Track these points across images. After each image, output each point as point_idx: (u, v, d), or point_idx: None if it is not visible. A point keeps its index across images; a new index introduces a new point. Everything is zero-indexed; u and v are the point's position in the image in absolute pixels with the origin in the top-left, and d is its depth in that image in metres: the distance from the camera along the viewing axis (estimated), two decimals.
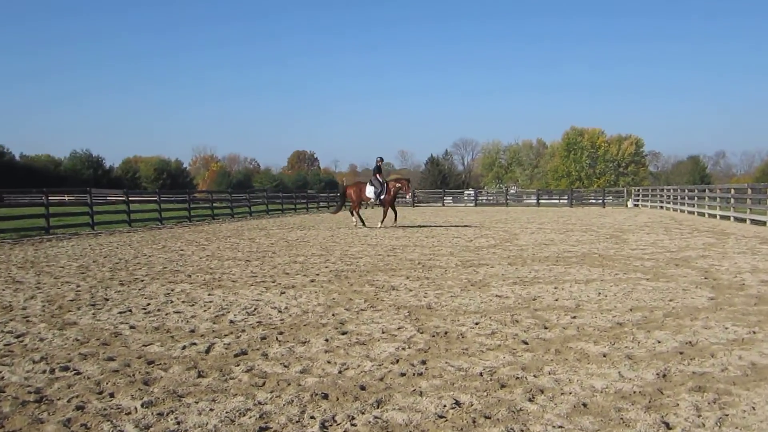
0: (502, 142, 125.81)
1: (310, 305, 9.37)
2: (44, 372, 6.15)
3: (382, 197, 26.87)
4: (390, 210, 27.60)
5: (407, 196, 28.66)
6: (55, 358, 6.63)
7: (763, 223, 27.40)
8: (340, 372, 6.05)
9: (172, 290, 10.90)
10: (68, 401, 5.31)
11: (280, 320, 8.39)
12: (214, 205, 39.98)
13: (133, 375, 5.99)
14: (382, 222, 27.99)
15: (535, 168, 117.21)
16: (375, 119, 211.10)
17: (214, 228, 29.76)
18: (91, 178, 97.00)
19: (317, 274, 12.68)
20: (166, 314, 8.84)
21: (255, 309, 9.12)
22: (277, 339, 7.34)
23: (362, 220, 28.96)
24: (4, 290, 11.06)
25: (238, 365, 6.31)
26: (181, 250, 18.41)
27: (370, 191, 27.09)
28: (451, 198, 74.05)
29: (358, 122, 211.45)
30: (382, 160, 27.93)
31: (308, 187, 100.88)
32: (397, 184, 27.04)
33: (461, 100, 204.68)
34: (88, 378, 5.94)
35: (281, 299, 9.90)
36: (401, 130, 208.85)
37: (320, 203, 58.27)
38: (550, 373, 5.92)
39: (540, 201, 65.81)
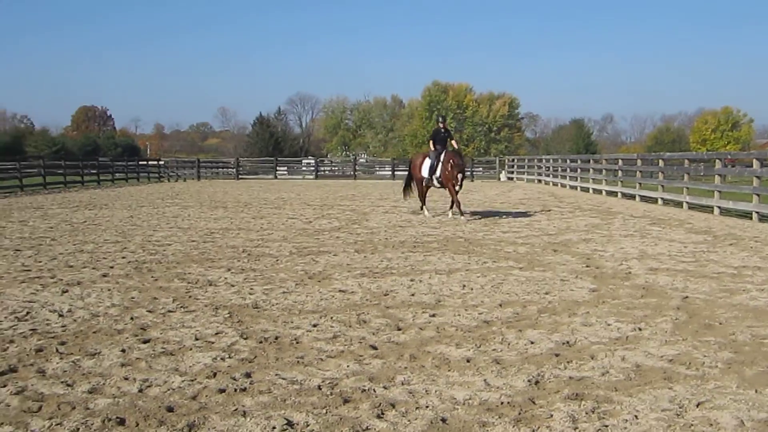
0: (349, 99, 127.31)
1: (101, 307, 9.16)
2: None
3: (438, 176, 22.12)
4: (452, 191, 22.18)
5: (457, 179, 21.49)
6: None
7: (654, 201, 29.27)
8: (140, 390, 5.98)
9: None
10: None
11: (62, 327, 8.16)
12: None
13: None
14: (452, 208, 22.68)
15: (390, 132, 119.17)
16: (186, 66, 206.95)
17: None
18: None
19: (111, 267, 12.40)
20: None
21: (27, 313, 8.82)
22: (57, 351, 7.14)
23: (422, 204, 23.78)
24: None
25: (4, 386, 6.10)
26: None
27: (425, 168, 22.67)
28: (285, 168, 74.11)
29: (163, 70, 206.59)
30: (444, 119, 23.71)
31: (100, 154, 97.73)
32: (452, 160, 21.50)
33: (298, 45, 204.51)
34: None
35: (63, 300, 9.62)
36: (221, 81, 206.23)
37: (116, 174, 56.67)
38: (403, 384, 6.12)
39: (396, 172, 66.97)
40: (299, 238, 16.72)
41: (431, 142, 22.78)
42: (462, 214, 22.05)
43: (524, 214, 23.51)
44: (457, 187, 21.63)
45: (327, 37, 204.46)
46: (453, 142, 22.90)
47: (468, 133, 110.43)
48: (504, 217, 22.61)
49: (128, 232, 18.09)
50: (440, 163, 21.82)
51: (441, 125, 22.82)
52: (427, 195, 23.72)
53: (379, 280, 11.02)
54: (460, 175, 21.31)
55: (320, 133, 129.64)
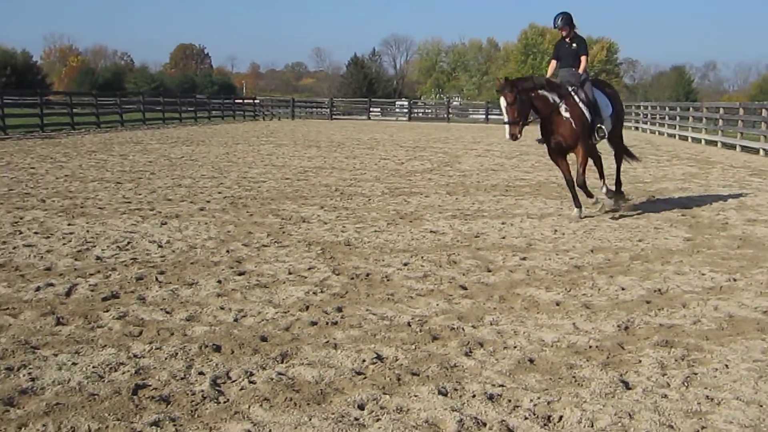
0: (444, 42, 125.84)
1: (198, 239, 9.42)
2: None
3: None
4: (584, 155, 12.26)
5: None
6: None
7: (756, 151, 28.43)
8: (236, 320, 6.17)
9: (21, 218, 10.76)
10: None
11: (161, 257, 8.43)
12: (75, 111, 38.97)
13: None
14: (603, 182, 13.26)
15: (484, 75, 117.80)
16: (282, 5, 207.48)
17: (75, 140, 29.15)
18: None
19: (208, 201, 12.69)
20: (14, 248, 8.75)
21: (128, 243, 9.11)
22: (156, 280, 7.39)
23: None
24: None
25: (107, 311, 6.35)
26: (32, 168, 18.05)
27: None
28: (379, 110, 74.03)
29: (260, 9, 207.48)
30: (568, 21, 12.84)
31: (197, 92, 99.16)
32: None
33: None
34: None
35: (162, 231, 9.91)
36: (317, 21, 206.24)
37: (212, 112, 57.48)
38: (491, 324, 6.17)
39: (489, 116, 66.37)
40: (391, 178, 16.81)
41: (554, 62, 13.21)
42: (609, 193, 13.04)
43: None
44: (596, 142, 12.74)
45: None
46: (583, 60, 12.68)
47: None
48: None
49: (224, 169, 18.44)
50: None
51: (564, 32, 12.86)
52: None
53: (470, 222, 11.04)
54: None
55: (414, 75, 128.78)
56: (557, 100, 11.77)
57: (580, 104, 11.92)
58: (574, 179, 12.00)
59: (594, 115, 12.02)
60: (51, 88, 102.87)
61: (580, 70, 12.46)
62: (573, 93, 12.00)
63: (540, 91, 11.68)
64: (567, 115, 11.75)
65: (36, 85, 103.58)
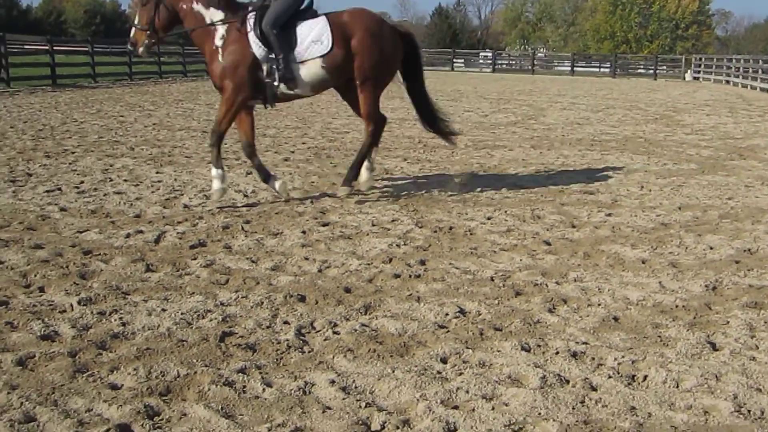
0: None
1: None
2: None
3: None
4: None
5: None
6: None
7: None
8: (320, 271, 6.24)
9: (111, 165, 11.01)
10: None
11: (246, 207, 8.55)
12: (162, 59, 39.56)
13: (67, 267, 6.16)
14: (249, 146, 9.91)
15: (570, 26, 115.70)
16: None
17: (162, 89, 29.64)
18: (2, 21, 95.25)
19: (292, 152, 12.80)
20: (105, 195, 8.98)
21: None
22: (242, 229, 7.51)
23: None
24: None
25: (194, 259, 6.49)
26: (121, 116, 18.42)
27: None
28: (462, 61, 73.44)
29: None
30: None
31: None
32: None
33: None
34: (12, 269, 6.10)
35: (247, 181, 10.05)
36: None
37: None
38: (575, 281, 6.13)
39: (575, 68, 65.33)
40: (475, 131, 16.70)
41: None
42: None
43: (708, 116, 22.52)
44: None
45: None
46: None
47: (653, 29, 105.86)
48: (688, 116, 21.73)
49: (308, 119, 18.54)
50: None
51: None
52: None
53: (554, 176, 10.92)
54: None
55: (499, 26, 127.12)
56: (215, 19, 8.77)
57: (249, 34, 8.69)
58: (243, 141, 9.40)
59: (269, 53, 8.66)
60: None
61: None
62: (249, 17, 8.71)
63: (194, 4, 8.73)
64: (219, 43, 8.74)
65: (124, 33, 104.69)
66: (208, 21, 8.74)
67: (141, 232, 7.29)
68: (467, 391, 4.11)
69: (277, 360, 4.48)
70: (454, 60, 69.85)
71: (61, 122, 16.55)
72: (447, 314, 5.25)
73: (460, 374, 4.32)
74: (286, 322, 5.05)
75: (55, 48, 31.67)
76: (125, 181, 9.87)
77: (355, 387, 4.16)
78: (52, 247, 6.71)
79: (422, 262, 6.53)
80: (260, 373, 4.30)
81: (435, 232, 7.57)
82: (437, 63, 71.88)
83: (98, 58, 35.06)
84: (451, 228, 7.73)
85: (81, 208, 8.23)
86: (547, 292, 5.80)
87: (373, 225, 7.79)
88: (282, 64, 8.68)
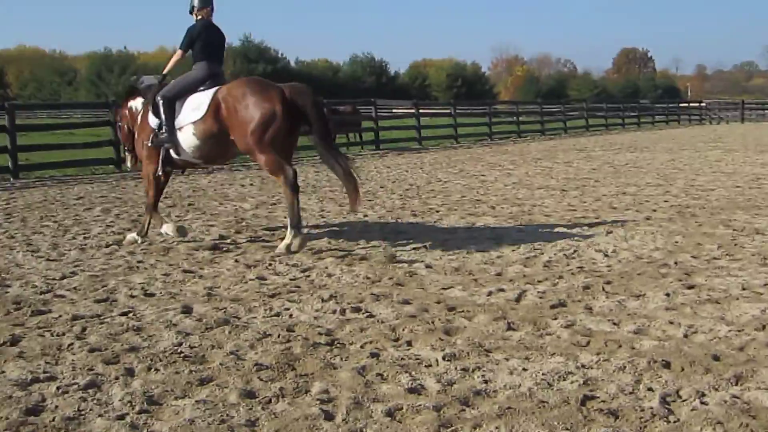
0: None
1: (645, 249, 9.28)
2: (334, 312, 6.80)
3: None
4: None
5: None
6: (345, 297, 7.28)
7: None
8: (685, 336, 5.99)
9: (473, 224, 11.35)
10: (361, 347, 5.84)
11: (607, 267, 8.43)
12: (520, 119, 40.38)
13: (432, 322, 6.41)
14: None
15: None
16: (729, 1, 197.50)
17: (521, 148, 30.21)
18: (372, 86, 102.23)
19: (654, 210, 12.47)
20: (467, 252, 9.26)
21: (575, 251, 9.23)
22: (603, 290, 7.40)
23: None
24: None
25: (555, 318, 6.49)
26: (482, 175, 19.01)
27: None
28: None
29: (705, 7, 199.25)
30: None
31: (640, 96, 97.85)
32: None
33: None
34: (382, 322, 6.46)
35: (608, 240, 9.91)
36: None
37: (656, 116, 56.38)
38: None
39: None
40: None
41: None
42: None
43: None
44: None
45: None
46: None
47: None
48: None
49: (670, 176, 17.99)
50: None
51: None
52: None
53: None
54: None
55: None
56: (138, 107, 10.36)
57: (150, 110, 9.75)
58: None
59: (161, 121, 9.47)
60: (498, 97, 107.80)
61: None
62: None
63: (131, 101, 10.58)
64: (139, 121, 10.24)
65: (484, 95, 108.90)
66: (134, 110, 10.29)
67: (502, 290, 7.42)
68: None
69: (640, 428, 4.34)
70: None
71: (426, 182, 17.40)
72: None
73: None
74: (650, 389, 4.89)
75: (420, 111, 33.41)
76: (488, 238, 10.13)
77: None
78: (419, 302, 7.02)
79: None
80: None
81: None
82: None
83: (460, 119, 36.48)
84: None
85: (445, 265, 8.55)
86: None
87: (743, 289, 7.34)
88: (165, 131, 9.39)
